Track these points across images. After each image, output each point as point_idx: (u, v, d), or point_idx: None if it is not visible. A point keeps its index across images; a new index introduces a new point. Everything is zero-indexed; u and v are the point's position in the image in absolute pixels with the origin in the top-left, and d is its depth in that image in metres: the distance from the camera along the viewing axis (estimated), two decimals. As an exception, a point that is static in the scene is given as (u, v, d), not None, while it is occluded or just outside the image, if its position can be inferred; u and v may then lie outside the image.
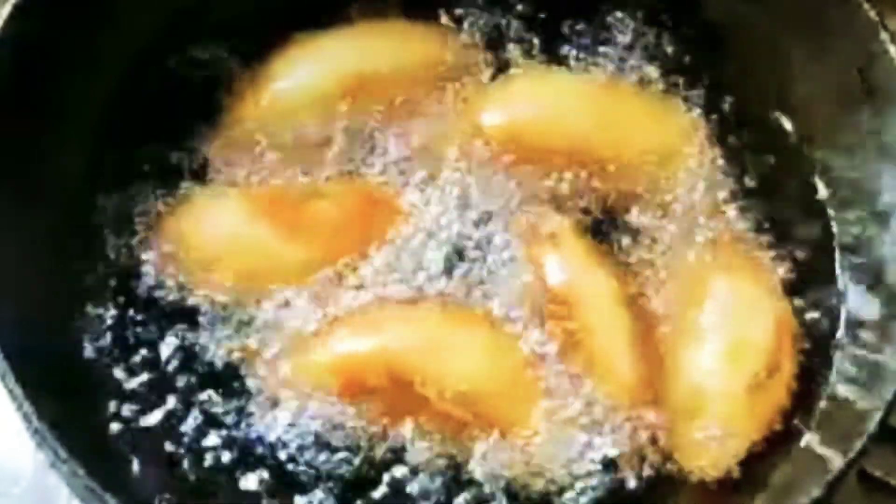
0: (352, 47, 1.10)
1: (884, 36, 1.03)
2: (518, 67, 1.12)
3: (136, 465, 0.97)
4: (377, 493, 0.97)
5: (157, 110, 1.08)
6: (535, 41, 1.13)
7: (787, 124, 1.12)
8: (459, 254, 1.04)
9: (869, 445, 0.93)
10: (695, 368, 1.01)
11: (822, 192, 1.10)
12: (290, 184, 1.06)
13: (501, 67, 1.12)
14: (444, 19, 1.13)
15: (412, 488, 0.97)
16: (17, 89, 0.99)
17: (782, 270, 1.06)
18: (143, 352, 1.01)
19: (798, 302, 1.05)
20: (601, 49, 1.13)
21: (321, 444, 0.98)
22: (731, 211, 1.08)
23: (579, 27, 1.14)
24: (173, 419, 0.99)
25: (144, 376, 1.00)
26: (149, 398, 0.99)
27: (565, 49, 1.13)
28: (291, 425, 0.98)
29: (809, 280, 1.07)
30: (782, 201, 1.09)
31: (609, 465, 0.98)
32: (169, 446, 0.98)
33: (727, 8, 1.14)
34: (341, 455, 0.98)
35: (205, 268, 1.03)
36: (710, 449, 0.99)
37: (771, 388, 1.00)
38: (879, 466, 1.05)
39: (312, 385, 0.98)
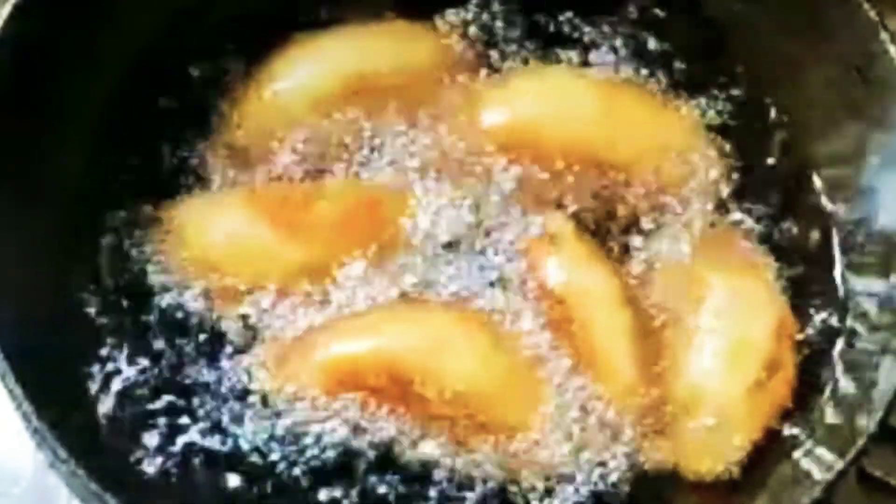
0: (352, 47, 1.10)
1: (884, 36, 1.03)
2: (518, 67, 1.12)
3: (135, 465, 0.97)
4: (377, 493, 0.97)
5: (156, 110, 1.08)
6: (535, 41, 1.13)
7: (787, 124, 1.12)
8: (459, 254, 1.04)
9: (869, 445, 0.93)
10: (694, 368, 1.01)
11: (822, 191, 1.10)
12: (290, 184, 1.06)
13: (501, 67, 1.12)
14: (443, 19, 1.13)
15: (412, 488, 0.97)
16: (17, 89, 0.99)
17: (782, 270, 1.06)
18: (143, 352, 1.01)
19: (798, 302, 1.05)
20: (601, 48, 1.13)
21: (321, 444, 0.98)
22: (731, 210, 1.08)
23: (579, 26, 1.14)
24: (173, 419, 0.99)
25: (144, 376, 1.00)
26: (149, 398, 0.99)
27: (565, 48, 1.13)
28: (291, 425, 0.98)
29: (809, 280, 1.07)
30: (782, 201, 1.09)
31: (608, 464, 0.98)
32: (169, 446, 0.98)
33: (727, 7, 1.14)
34: (341, 455, 0.98)
35: (205, 268, 1.03)
36: (710, 449, 0.99)
37: (770, 387, 1.00)
38: (879, 466, 1.05)
39: (312, 385, 0.98)
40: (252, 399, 0.99)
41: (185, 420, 0.99)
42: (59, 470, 0.90)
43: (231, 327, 1.02)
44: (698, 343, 1.01)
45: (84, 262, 1.03)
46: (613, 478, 0.98)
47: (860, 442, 0.93)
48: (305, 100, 1.08)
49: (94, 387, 1.00)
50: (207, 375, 1.00)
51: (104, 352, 1.01)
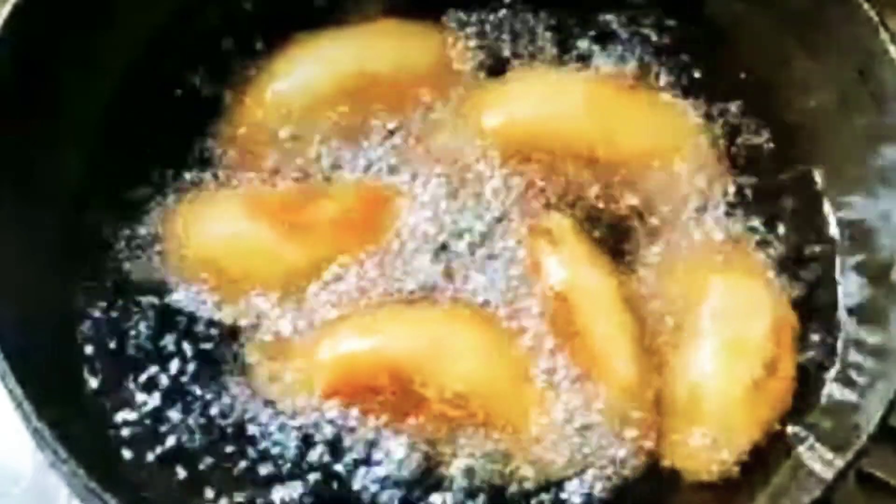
0: (352, 47, 1.10)
1: (884, 36, 1.03)
2: (518, 67, 1.12)
3: (135, 465, 0.97)
4: (377, 493, 0.97)
5: (156, 111, 1.08)
6: (535, 41, 1.13)
7: (787, 124, 1.12)
8: (459, 254, 1.04)
9: (869, 445, 0.93)
10: (694, 368, 1.01)
11: (823, 191, 1.10)
12: (290, 184, 1.06)
13: (501, 67, 1.12)
14: (443, 19, 1.13)
15: (412, 488, 0.97)
16: (17, 89, 0.99)
17: (782, 270, 1.06)
18: (143, 351, 1.01)
19: (797, 301, 1.05)
20: (601, 48, 1.13)
21: (320, 444, 0.98)
22: (731, 211, 1.08)
23: (579, 26, 1.14)
24: (173, 419, 0.99)
25: (144, 376, 1.00)
26: (148, 398, 0.99)
27: (565, 49, 1.13)
28: (291, 425, 0.98)
29: (809, 280, 1.07)
30: (782, 201, 1.09)
31: (608, 464, 0.98)
32: (168, 446, 0.98)
33: (727, 8, 1.14)
34: (341, 455, 0.98)
35: (205, 268, 1.03)
36: (710, 449, 0.99)
37: (770, 388, 1.00)
38: (879, 466, 1.05)
39: (312, 385, 0.98)
40: (252, 401, 0.99)
41: (184, 420, 0.99)
42: (59, 470, 0.90)
43: (231, 327, 1.02)
44: (698, 343, 1.02)
45: (84, 263, 1.03)
46: (613, 477, 0.98)
47: (860, 442, 0.93)
48: (305, 100, 1.08)
49: (94, 387, 1.00)
50: (208, 375, 1.00)
51: (104, 352, 1.01)
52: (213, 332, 1.02)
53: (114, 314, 1.02)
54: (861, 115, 1.06)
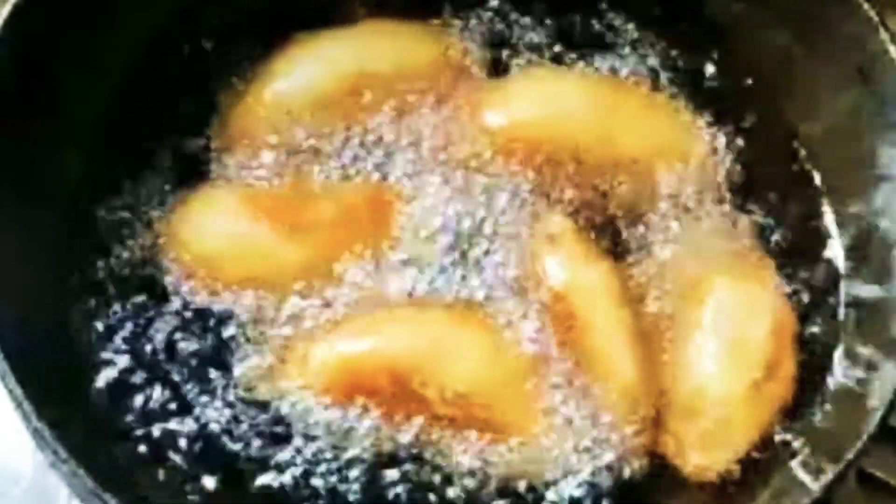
0: (352, 47, 1.10)
1: (884, 36, 1.03)
2: (518, 67, 1.12)
3: (135, 465, 0.97)
4: (376, 493, 0.97)
5: (156, 110, 1.08)
6: (536, 41, 1.13)
7: (788, 124, 1.12)
8: (459, 254, 1.04)
9: (869, 445, 0.93)
10: (695, 368, 1.01)
11: (823, 191, 1.10)
12: (290, 184, 1.06)
13: (501, 67, 1.12)
14: (443, 19, 1.13)
15: (412, 488, 0.97)
16: (17, 89, 0.99)
17: (782, 271, 1.06)
18: (143, 351, 1.01)
19: (798, 302, 1.05)
20: (602, 49, 1.13)
21: (320, 444, 0.98)
22: (732, 211, 1.08)
23: (580, 27, 1.14)
24: (173, 419, 0.99)
25: (144, 376, 1.00)
26: (149, 398, 0.99)
27: (566, 49, 1.13)
28: (290, 425, 0.98)
29: (809, 280, 1.07)
30: (782, 201, 1.09)
31: (608, 465, 0.98)
32: (168, 446, 0.98)
33: (728, 8, 1.14)
34: (341, 455, 0.98)
35: (204, 268, 1.03)
36: (710, 449, 0.99)
37: (770, 387, 1.01)
38: (879, 466, 1.05)
39: (312, 385, 0.98)
40: (252, 399, 0.99)
41: (184, 420, 0.99)
42: (59, 470, 0.90)
43: (231, 327, 1.02)
44: (698, 343, 1.02)
45: (84, 262, 1.03)
46: (613, 477, 0.98)
47: (860, 442, 0.93)
48: (305, 100, 1.08)
49: (94, 387, 1.00)
50: (208, 375, 1.00)
51: (104, 352, 1.01)
52: (213, 331, 1.01)
53: (114, 314, 1.02)
54: (861, 115, 1.06)
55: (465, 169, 1.07)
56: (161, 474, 0.97)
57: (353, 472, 0.98)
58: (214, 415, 0.99)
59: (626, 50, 1.13)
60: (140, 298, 1.02)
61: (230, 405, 0.99)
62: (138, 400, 0.99)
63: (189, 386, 1.00)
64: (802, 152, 1.11)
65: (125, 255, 1.04)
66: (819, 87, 1.09)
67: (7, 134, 0.99)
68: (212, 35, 1.12)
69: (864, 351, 1.02)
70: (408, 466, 0.98)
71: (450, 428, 0.98)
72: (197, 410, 0.99)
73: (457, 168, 1.07)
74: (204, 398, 0.99)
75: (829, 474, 0.93)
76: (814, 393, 1.03)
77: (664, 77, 1.12)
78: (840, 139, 1.09)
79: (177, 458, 0.98)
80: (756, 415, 1.00)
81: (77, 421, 0.95)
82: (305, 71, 1.09)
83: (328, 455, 0.98)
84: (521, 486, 0.98)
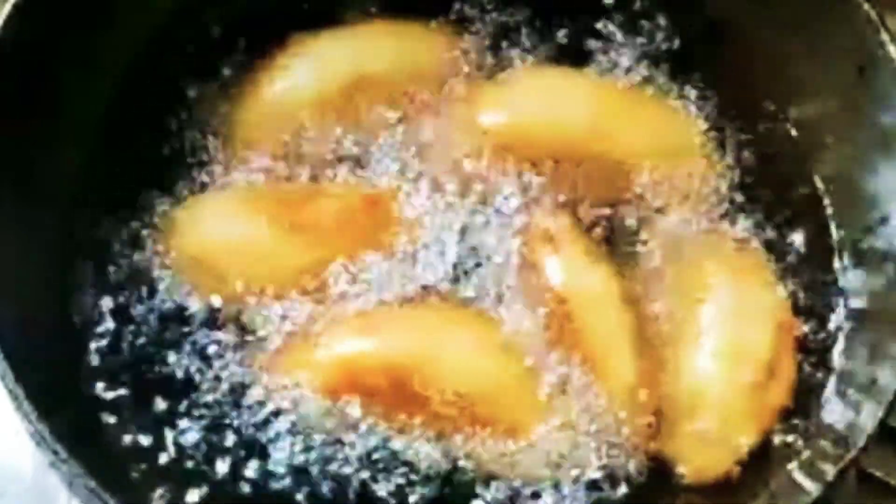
0: (352, 47, 1.10)
1: (884, 36, 1.03)
2: (518, 67, 1.12)
3: (135, 465, 0.97)
4: (375, 493, 0.97)
5: (156, 111, 1.08)
6: (535, 41, 1.13)
7: (788, 124, 1.12)
8: (459, 254, 1.04)
9: (869, 445, 0.93)
10: (694, 369, 1.01)
11: (823, 191, 1.10)
12: (290, 184, 1.06)
13: (501, 67, 1.12)
14: (443, 19, 1.12)
15: (411, 488, 0.97)
16: (17, 89, 0.99)
17: (782, 270, 1.06)
18: (143, 352, 1.01)
19: (798, 302, 1.05)
20: (602, 48, 1.13)
21: (320, 444, 0.98)
22: (732, 211, 1.08)
23: (579, 27, 1.14)
24: (173, 419, 0.99)
25: (144, 376, 1.00)
26: (148, 398, 0.99)
27: (565, 49, 1.13)
28: (290, 425, 0.98)
29: (809, 280, 1.07)
30: (782, 201, 1.09)
31: (608, 465, 0.98)
32: (169, 445, 0.98)
33: (728, 7, 1.14)
34: (340, 455, 0.98)
35: (205, 267, 1.03)
36: (710, 449, 0.99)
37: (770, 388, 1.01)
38: (879, 466, 1.05)
39: (312, 385, 0.98)
40: (252, 399, 0.99)
41: (184, 420, 0.99)
42: (59, 470, 0.90)
43: (231, 327, 1.02)
44: (698, 343, 1.02)
45: (84, 262, 1.03)
46: (613, 477, 0.98)
47: (860, 442, 0.93)
48: (305, 100, 1.08)
49: (94, 387, 1.00)
50: (208, 375, 1.00)
51: (104, 351, 1.01)
52: (213, 331, 1.01)
53: (113, 314, 1.02)
54: (861, 115, 1.06)
55: (464, 169, 1.07)
56: (161, 474, 0.97)
57: (353, 472, 0.98)
58: (214, 414, 0.99)
59: (626, 50, 1.13)
60: (140, 298, 1.02)
61: (230, 405, 0.99)
62: (138, 399, 0.99)
63: (189, 386, 1.00)
64: (802, 151, 1.11)
65: (125, 255, 1.04)
66: (819, 87, 1.09)
67: (7, 134, 0.99)
68: (211, 35, 1.12)
69: (864, 351, 1.02)
70: (407, 466, 0.98)
71: (449, 428, 0.98)
72: (196, 410, 0.99)
73: (456, 168, 1.07)
74: (204, 398, 0.99)
75: (828, 474, 0.93)
76: (813, 393, 1.03)
77: (664, 77, 1.12)
78: (840, 139, 1.09)
79: (177, 458, 0.98)
80: (756, 415, 1.00)
81: (77, 421, 0.95)
82: (305, 71, 1.09)
83: (328, 454, 0.98)
84: (521, 486, 0.98)
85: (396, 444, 0.98)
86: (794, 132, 1.12)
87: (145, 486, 0.97)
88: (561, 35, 1.13)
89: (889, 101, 1.03)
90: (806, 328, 1.05)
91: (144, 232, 1.04)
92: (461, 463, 0.98)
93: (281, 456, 0.98)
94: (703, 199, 1.08)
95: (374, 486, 0.97)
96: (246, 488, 0.97)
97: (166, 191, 1.06)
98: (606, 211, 1.07)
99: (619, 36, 1.14)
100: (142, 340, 1.01)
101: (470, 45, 1.12)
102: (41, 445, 0.90)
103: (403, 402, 0.97)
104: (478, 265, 1.04)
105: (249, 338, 1.01)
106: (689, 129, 1.10)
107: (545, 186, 1.06)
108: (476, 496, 0.98)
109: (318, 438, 0.98)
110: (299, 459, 0.98)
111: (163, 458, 0.98)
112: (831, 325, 1.05)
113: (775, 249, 1.07)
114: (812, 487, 0.93)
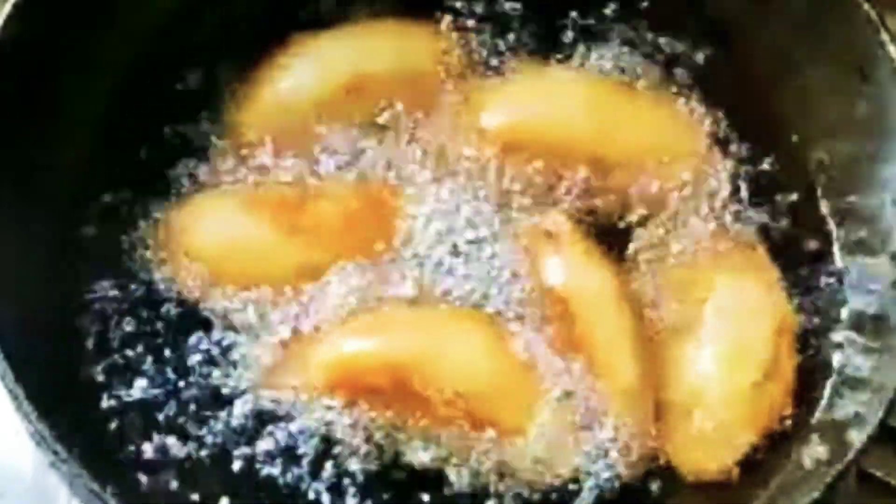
0: (352, 47, 1.10)
1: (884, 36, 1.03)
2: (518, 67, 1.12)
3: (136, 466, 0.97)
4: (375, 493, 0.97)
5: (156, 111, 1.08)
6: (536, 41, 1.13)
7: (788, 123, 1.12)
8: (459, 254, 1.04)
9: (869, 445, 0.93)
10: (695, 369, 1.01)
11: (822, 191, 1.10)
12: (290, 184, 1.06)
13: (502, 68, 1.12)
14: (444, 19, 1.12)
15: (410, 488, 0.97)
16: (17, 89, 0.99)
17: (782, 270, 1.06)
18: (144, 352, 1.01)
19: (798, 302, 1.05)
20: (601, 49, 1.13)
21: (320, 444, 0.98)
22: (731, 211, 1.08)
23: (580, 27, 1.14)
24: (173, 419, 0.99)
25: (144, 376, 1.00)
26: (149, 398, 0.99)
27: (565, 49, 1.13)
28: (290, 425, 0.98)
29: (809, 280, 1.07)
30: (782, 201, 1.09)
31: (608, 464, 0.98)
32: (169, 445, 0.98)
33: (728, 7, 1.14)
34: (340, 455, 0.98)
35: (205, 268, 1.03)
36: (710, 449, 0.99)
37: (771, 388, 1.01)
38: (879, 466, 1.05)
39: (312, 385, 0.98)
40: (252, 400, 0.99)
41: (184, 420, 0.99)
42: (59, 470, 0.90)
43: (231, 327, 1.02)
44: (699, 343, 1.01)
45: (84, 262, 1.03)
46: (614, 478, 0.98)
47: (860, 442, 0.93)
48: (305, 100, 1.08)
49: (94, 387, 1.00)
50: (208, 375, 1.00)
51: (104, 351, 1.01)
52: (213, 331, 1.01)
53: (113, 314, 1.02)
54: (861, 114, 1.06)
55: (464, 169, 1.07)
56: (161, 474, 0.97)
57: (353, 472, 0.97)
58: (214, 414, 0.99)
59: (626, 50, 1.13)
60: (140, 298, 1.02)
61: (230, 405, 0.99)
62: (139, 399, 0.99)
63: (189, 385, 1.00)
64: (802, 152, 1.11)
65: (125, 254, 1.04)
66: (819, 87, 1.09)
67: (7, 134, 0.99)
68: (212, 36, 1.12)
69: (864, 351, 1.02)
70: (407, 467, 0.98)
71: (449, 428, 0.98)
72: (198, 410, 0.99)
73: (456, 168, 1.07)
74: (204, 398, 0.99)
75: (828, 474, 0.93)
76: (813, 393, 1.03)
77: (664, 77, 1.12)
78: (840, 139, 1.09)
79: (177, 458, 0.98)
80: (756, 415, 1.00)
81: (77, 421, 0.95)
82: (305, 72, 1.09)
83: (328, 454, 0.98)
84: (521, 486, 0.98)
85: (396, 443, 0.98)
86: (793, 132, 1.12)
87: (145, 486, 0.97)
88: (561, 35, 1.13)
89: (889, 101, 1.03)
90: (805, 327, 1.05)
91: (144, 232, 1.04)
92: (461, 463, 0.98)
93: (282, 456, 0.98)
94: (703, 199, 1.08)
95: (374, 486, 0.97)
96: (246, 488, 0.97)
97: (166, 191, 1.06)
98: (607, 211, 1.07)
99: (618, 36, 1.14)
100: (142, 340, 1.01)
101: (470, 45, 1.12)
102: (41, 445, 0.90)
103: (404, 402, 0.97)
104: (478, 266, 1.04)
105: (250, 338, 1.01)
106: (689, 129, 1.10)
107: (545, 186, 1.06)
108: (476, 496, 0.97)
109: (318, 438, 0.98)
110: (300, 460, 0.98)
111: (163, 459, 0.98)
112: (831, 325, 1.05)
113: (775, 249, 1.07)
114: (812, 487, 0.93)
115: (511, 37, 1.13)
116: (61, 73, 1.04)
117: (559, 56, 1.13)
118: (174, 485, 0.97)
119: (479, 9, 1.13)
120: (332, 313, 1.01)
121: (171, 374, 1.00)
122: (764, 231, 1.08)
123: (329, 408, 0.98)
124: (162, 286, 1.03)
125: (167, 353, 1.01)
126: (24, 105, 1.00)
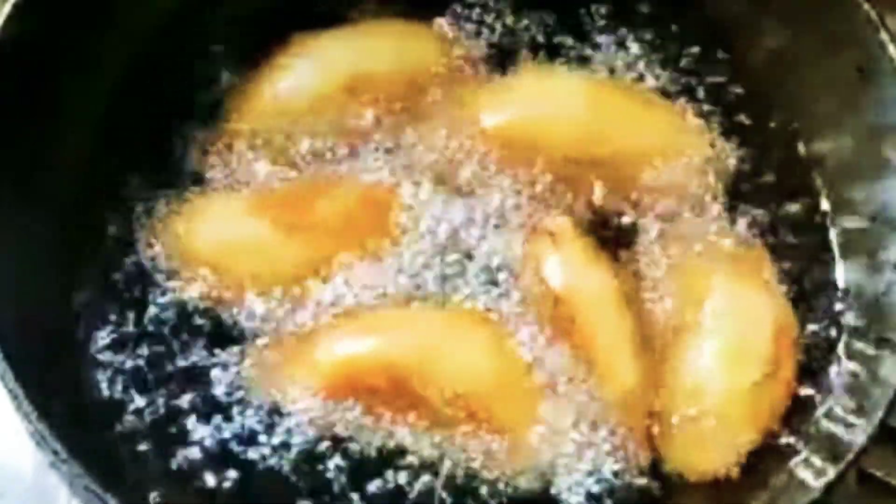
0: (352, 47, 1.10)
1: (884, 36, 1.03)
2: (518, 67, 1.12)
3: (135, 465, 0.97)
4: (375, 493, 0.97)
5: (156, 111, 1.08)
6: (536, 41, 1.13)
7: (788, 124, 1.12)
8: (459, 254, 1.04)
9: (869, 445, 0.93)
10: (694, 369, 1.01)
11: (822, 191, 1.10)
12: (290, 184, 1.06)
13: (502, 68, 1.12)
14: (443, 20, 1.13)
15: (410, 488, 0.97)
16: (17, 89, 1.00)
17: (782, 271, 1.06)
18: (144, 351, 1.01)
19: (798, 302, 1.05)
20: (602, 48, 1.13)
21: (319, 444, 0.98)
22: (732, 211, 1.08)
23: (580, 27, 1.14)
24: (173, 419, 0.99)
25: (144, 376, 1.00)
26: (149, 398, 0.99)
27: (566, 48, 1.13)
28: (290, 425, 0.98)
29: (809, 280, 1.07)
30: (783, 202, 1.09)
31: (608, 465, 0.98)
32: (169, 446, 0.98)
33: (728, 8, 1.14)
34: (339, 455, 0.98)
35: (205, 267, 1.03)
36: (710, 449, 0.99)
37: (770, 388, 1.01)
38: (879, 466, 1.05)
39: (311, 385, 0.99)
40: (252, 400, 0.99)
41: (184, 420, 0.99)
42: (59, 470, 0.90)
43: (231, 327, 1.02)
44: (698, 344, 1.01)
45: (84, 262, 1.03)
46: (613, 478, 0.98)
47: (860, 442, 0.93)
48: (305, 100, 1.08)
49: (94, 387, 1.00)
50: (208, 375, 1.00)
51: (104, 352, 1.01)
52: (214, 331, 1.01)
53: (114, 314, 1.02)
54: (861, 115, 1.06)
55: (464, 169, 1.07)
56: (161, 474, 0.97)
57: (353, 471, 0.97)
58: (214, 414, 0.99)
59: (626, 50, 1.13)
60: (140, 298, 1.02)
61: (230, 405, 0.99)
62: (139, 399, 0.99)
63: (189, 385, 1.00)
64: (802, 152, 1.11)
65: (125, 254, 1.04)
66: (819, 87, 1.09)
67: (7, 134, 0.99)
68: (211, 35, 1.12)
69: (864, 351, 1.02)
70: (407, 467, 0.98)
71: (449, 428, 0.98)
72: (197, 410, 0.99)
73: (456, 168, 1.07)
74: (204, 398, 0.99)
75: (829, 474, 0.93)
76: (813, 393, 1.03)
77: (664, 77, 1.12)
78: (840, 139, 1.09)
79: (177, 458, 0.98)
80: (756, 415, 1.00)
81: (78, 421, 0.95)
82: (305, 71, 1.09)
83: (327, 454, 0.98)
84: (521, 486, 0.98)
85: (395, 443, 0.98)
86: (793, 132, 1.12)
87: (145, 486, 0.97)
88: (561, 35, 1.13)
89: (889, 101, 1.03)
90: (806, 328, 1.05)
91: (145, 233, 1.04)
92: (460, 463, 0.98)
93: (282, 457, 0.98)
94: (703, 200, 1.08)
95: (373, 485, 0.97)
96: (246, 488, 0.97)
97: (167, 191, 1.06)
98: (607, 211, 1.07)
99: (619, 36, 1.14)
100: (142, 341, 1.01)
101: (470, 45, 1.12)
102: (41, 445, 0.90)
103: (403, 402, 0.97)
104: (478, 265, 1.04)
105: (250, 338, 1.01)
106: (689, 130, 1.10)
107: (545, 186, 1.06)
108: (476, 496, 0.97)
109: (318, 438, 0.98)
110: (300, 460, 0.98)
111: (163, 459, 0.98)
112: (831, 325, 1.05)
113: (775, 249, 1.07)
114: (812, 487, 0.93)
115: (511, 37, 1.13)
116: (61, 73, 1.04)
117: (559, 57, 1.13)
118: (175, 484, 0.97)
119: (478, 9, 1.13)
120: (331, 312, 1.01)
121: (171, 373, 1.00)
122: (764, 231, 1.08)
123: (329, 407, 0.98)
124: (162, 286, 1.03)
125: (167, 352, 1.01)
126: (24, 105, 1.00)
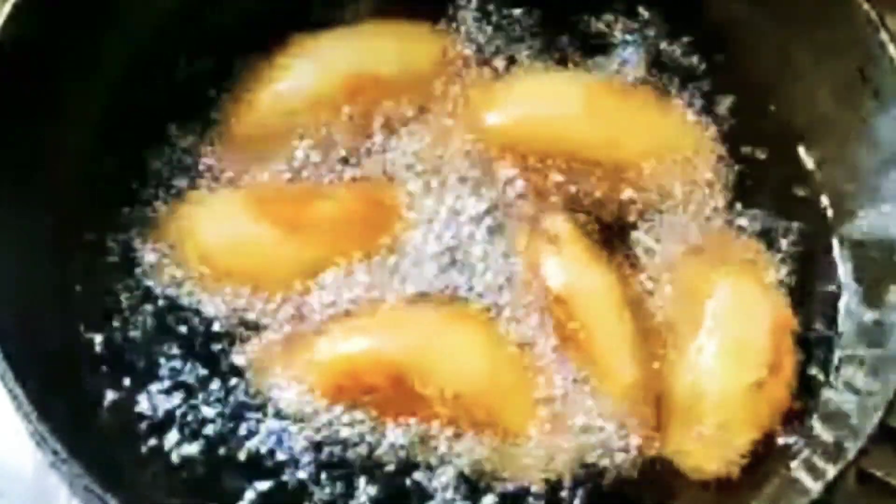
0: (352, 47, 1.10)
1: (884, 36, 1.03)
2: (518, 68, 1.12)
3: (135, 466, 0.97)
4: (375, 493, 0.97)
5: (157, 111, 1.08)
6: (536, 41, 1.13)
7: (788, 124, 1.12)
8: (459, 254, 1.04)
9: (869, 445, 0.93)
10: (695, 369, 1.01)
11: (822, 191, 1.10)
12: (290, 184, 1.06)
13: (502, 68, 1.12)
14: (444, 19, 1.13)
15: (410, 489, 0.97)
16: (17, 89, 0.99)
17: (782, 270, 1.06)
18: (143, 351, 1.01)
19: (797, 302, 1.05)
20: (601, 49, 1.13)
21: (319, 444, 0.98)
22: (732, 211, 1.08)
23: (580, 27, 1.14)
24: (173, 419, 0.99)
25: (144, 376, 1.00)
26: (149, 398, 0.99)
27: (566, 49, 1.13)
28: (290, 425, 0.98)
29: (809, 280, 1.07)
30: (782, 201, 1.09)
31: (608, 465, 0.98)
32: (169, 446, 0.98)
33: (728, 8, 1.14)
34: (339, 455, 0.98)
35: (205, 267, 1.03)
36: (710, 449, 0.99)
37: (770, 388, 1.00)
38: (879, 466, 1.05)
39: (311, 385, 0.98)
40: (251, 400, 0.99)
41: (185, 419, 0.99)
42: (59, 470, 0.90)
43: (231, 327, 1.02)
44: (698, 343, 1.02)
45: (84, 262, 1.03)
46: (613, 478, 0.98)
47: (860, 442, 0.93)
48: (305, 100, 1.08)
49: (94, 387, 1.00)
50: (207, 375, 1.00)
51: (104, 351, 1.01)
52: (214, 331, 1.02)
53: (114, 314, 1.02)
54: (861, 115, 1.06)
55: (464, 169, 1.07)
56: (161, 474, 0.97)
57: (353, 471, 0.97)
58: (214, 415, 0.99)
59: (626, 50, 1.13)
60: (140, 298, 1.02)
61: (230, 405, 0.99)
62: (139, 399, 0.99)
63: (189, 385, 1.00)
64: (802, 152, 1.11)
65: (125, 254, 1.04)
66: (819, 87, 1.09)
67: (7, 134, 0.99)
68: (212, 36, 1.12)
69: (864, 350, 1.02)
70: (406, 466, 0.98)
71: (449, 428, 0.98)
72: (197, 410, 0.99)
73: (456, 169, 1.07)
74: (204, 397, 0.99)
75: (829, 474, 0.93)
76: (813, 393, 1.03)
77: (664, 77, 1.12)
78: (841, 139, 1.09)
79: (177, 458, 0.98)
80: (756, 415, 1.00)
81: (77, 421, 0.95)
82: (305, 72, 1.09)
83: (327, 454, 0.98)
84: (520, 486, 0.98)
85: (395, 443, 0.98)
86: (794, 132, 1.12)
87: (145, 486, 0.97)
88: (562, 36, 1.13)
89: (889, 101, 1.03)
90: (805, 327, 1.04)
91: (145, 232, 1.04)
92: (461, 463, 0.98)
93: (282, 457, 0.98)
94: (703, 200, 1.08)
95: (373, 484, 0.97)
96: (246, 488, 0.97)
97: (167, 192, 1.06)
98: (607, 211, 1.07)
99: (619, 37, 1.14)
100: (142, 341, 1.01)
101: (470, 46, 1.12)
102: (41, 445, 0.90)
103: (403, 401, 0.97)
104: (478, 265, 1.04)
105: (250, 338, 1.01)
106: (689, 130, 1.11)
107: (545, 187, 1.06)
108: (475, 496, 0.97)
109: (318, 438, 0.98)
110: (300, 460, 0.98)
111: (163, 459, 0.98)
112: (831, 325, 1.05)
113: (775, 248, 1.07)
114: (812, 487, 0.93)
115: (512, 38, 1.13)
116: (61, 73, 1.04)
117: (560, 57, 1.13)
118: (175, 484, 0.97)
119: (479, 10, 1.13)
120: (331, 312, 1.01)
121: (170, 374, 1.00)
122: (763, 231, 1.08)
123: (329, 407, 0.98)
124: (162, 285, 1.03)
125: (167, 352, 1.01)
126: (24, 105, 1.00)
